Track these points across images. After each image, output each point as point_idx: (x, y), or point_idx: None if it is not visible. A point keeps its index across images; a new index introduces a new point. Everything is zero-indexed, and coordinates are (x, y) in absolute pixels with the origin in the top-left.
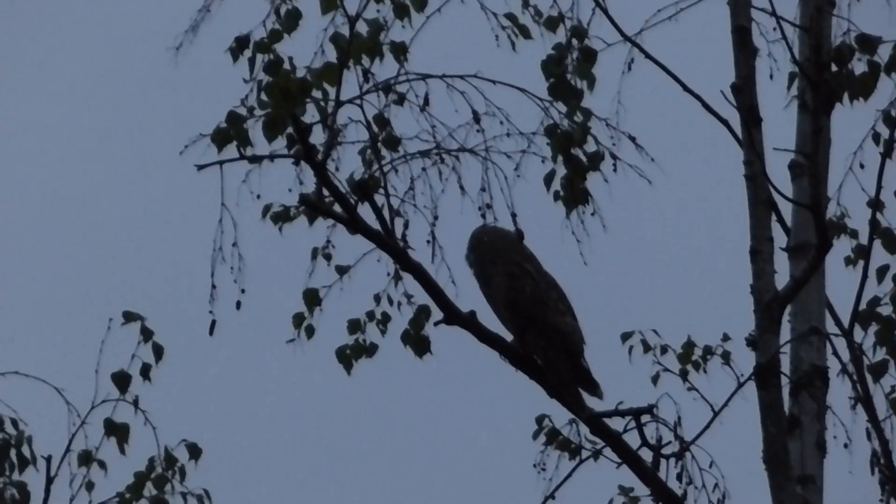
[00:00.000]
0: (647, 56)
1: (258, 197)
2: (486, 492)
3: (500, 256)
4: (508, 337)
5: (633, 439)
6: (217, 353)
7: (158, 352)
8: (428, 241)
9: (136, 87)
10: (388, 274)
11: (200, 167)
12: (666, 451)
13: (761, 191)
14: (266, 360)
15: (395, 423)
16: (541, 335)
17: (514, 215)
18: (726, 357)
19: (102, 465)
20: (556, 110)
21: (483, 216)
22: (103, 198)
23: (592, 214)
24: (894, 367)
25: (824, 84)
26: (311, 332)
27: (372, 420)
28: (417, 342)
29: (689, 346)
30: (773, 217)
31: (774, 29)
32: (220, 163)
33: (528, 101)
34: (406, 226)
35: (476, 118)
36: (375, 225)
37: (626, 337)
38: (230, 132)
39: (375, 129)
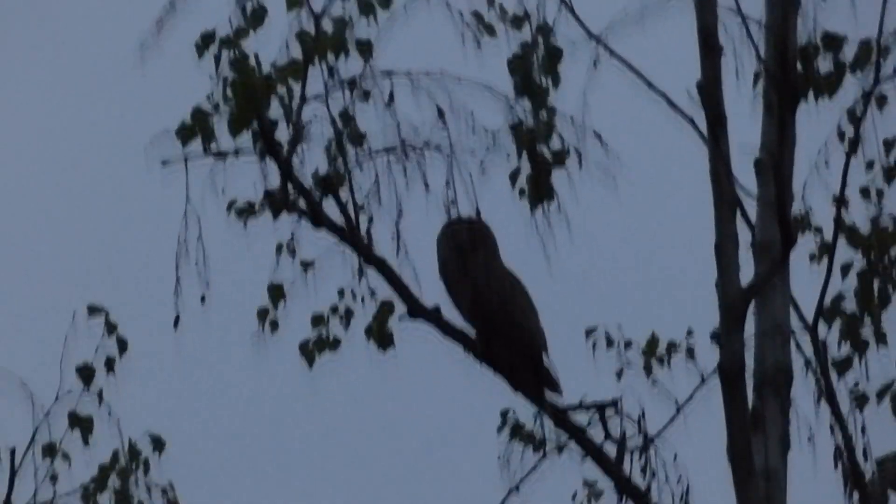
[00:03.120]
0: (613, 54)
1: (223, 192)
2: (450, 485)
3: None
4: (472, 332)
5: (597, 433)
6: (181, 347)
7: (122, 345)
8: (392, 238)
9: (101, 83)
10: (353, 269)
11: (165, 163)
12: (630, 445)
13: (726, 188)
14: (230, 354)
15: (358, 417)
16: (505, 334)
17: (478, 212)
18: (690, 352)
19: (66, 457)
20: (522, 108)
21: (447, 213)
22: (68, 191)
23: (558, 211)
24: (858, 363)
25: (789, 83)
26: (275, 326)
27: (335, 414)
28: (381, 336)
29: (653, 341)
30: (738, 214)
31: (740, 28)
32: (185, 159)
33: (493, 99)
34: (370, 221)
35: (441, 115)
36: (340, 220)
37: (589, 332)
38: (195, 128)
39: (340, 125)
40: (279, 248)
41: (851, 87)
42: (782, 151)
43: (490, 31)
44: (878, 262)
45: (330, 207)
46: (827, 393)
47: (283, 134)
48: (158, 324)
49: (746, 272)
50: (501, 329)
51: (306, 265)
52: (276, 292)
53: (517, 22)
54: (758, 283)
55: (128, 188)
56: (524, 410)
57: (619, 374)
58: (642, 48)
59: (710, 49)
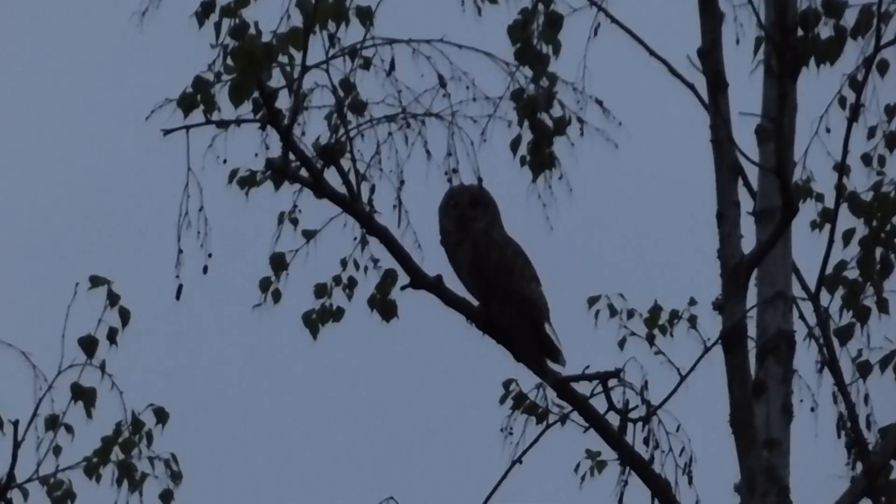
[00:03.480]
0: (614, 20)
1: (224, 162)
2: (452, 456)
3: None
4: (475, 302)
5: (599, 404)
6: (184, 318)
7: (125, 316)
8: (394, 206)
9: (102, 51)
10: (355, 238)
11: (167, 132)
12: (633, 415)
13: (727, 155)
14: (232, 325)
15: (361, 387)
16: (506, 302)
17: (480, 179)
18: (693, 321)
19: (69, 429)
20: (523, 75)
21: (449, 181)
22: (69, 162)
23: (559, 179)
24: (860, 331)
25: (790, 49)
26: (277, 296)
27: (338, 384)
28: (384, 306)
29: (656, 310)
30: (740, 181)
31: None
32: (187, 128)
33: (494, 66)
34: (372, 190)
35: (442, 83)
36: (342, 190)
37: (592, 301)
38: (196, 97)
39: (341, 93)
40: (281, 218)
41: (852, 54)
42: (783, 118)
43: None
44: (879, 230)
45: (332, 176)
46: (829, 361)
47: (284, 103)
48: (160, 295)
49: (748, 240)
50: (502, 294)
51: (308, 235)
52: (278, 262)
53: None
54: (759, 251)
55: (129, 158)
56: (527, 381)
57: (622, 344)
58: (643, 14)
59: (711, 14)
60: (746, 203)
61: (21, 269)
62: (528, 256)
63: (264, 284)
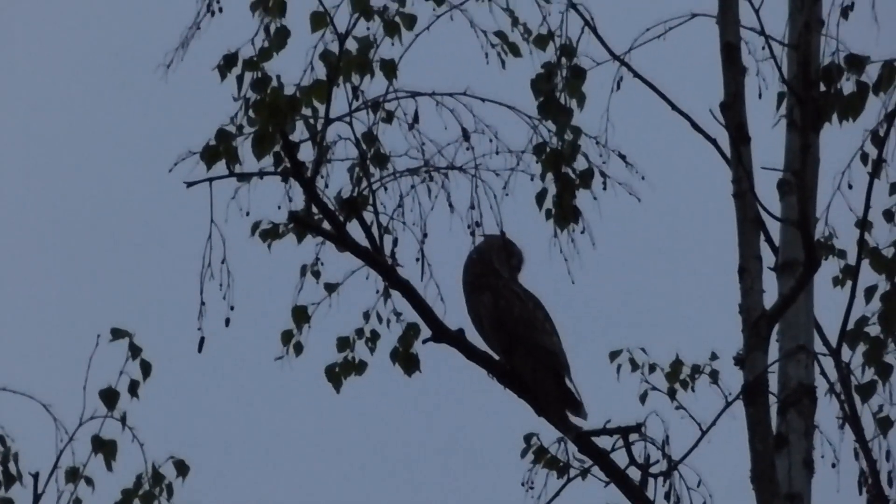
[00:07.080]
0: (636, 74)
1: (247, 214)
2: None
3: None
4: (496, 355)
5: (620, 458)
6: (205, 370)
7: (146, 368)
8: (417, 259)
9: (125, 103)
10: (377, 291)
11: (189, 184)
12: (654, 469)
13: (749, 209)
14: (254, 378)
15: (383, 440)
16: (528, 355)
17: (502, 233)
18: (714, 376)
19: (90, 481)
20: (546, 128)
21: (472, 234)
22: (91, 213)
23: (582, 232)
24: (882, 387)
25: (812, 102)
26: (299, 349)
27: (360, 438)
28: (406, 360)
29: (677, 364)
30: (762, 235)
31: (763, 47)
32: (209, 180)
33: (517, 119)
34: (395, 243)
35: (465, 136)
36: (364, 242)
37: (614, 355)
38: (219, 149)
39: (364, 146)
40: (303, 271)
41: (874, 109)
42: (805, 172)
43: (514, 50)
44: None
45: (354, 229)
46: (851, 417)
47: (307, 155)
48: (182, 346)
49: (770, 295)
50: (524, 347)
51: (330, 288)
52: (301, 315)
53: (541, 42)
54: (782, 304)
55: (152, 210)
56: (548, 435)
57: (643, 398)
58: (665, 67)
59: (733, 68)
60: (768, 257)
61: (43, 320)
62: (547, 310)
63: (286, 337)
